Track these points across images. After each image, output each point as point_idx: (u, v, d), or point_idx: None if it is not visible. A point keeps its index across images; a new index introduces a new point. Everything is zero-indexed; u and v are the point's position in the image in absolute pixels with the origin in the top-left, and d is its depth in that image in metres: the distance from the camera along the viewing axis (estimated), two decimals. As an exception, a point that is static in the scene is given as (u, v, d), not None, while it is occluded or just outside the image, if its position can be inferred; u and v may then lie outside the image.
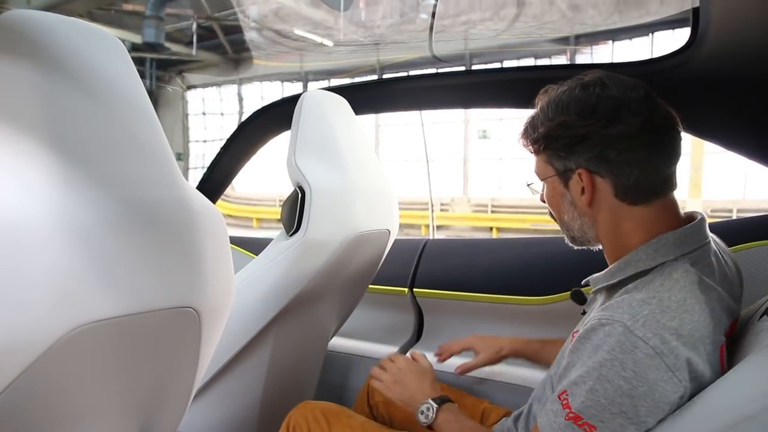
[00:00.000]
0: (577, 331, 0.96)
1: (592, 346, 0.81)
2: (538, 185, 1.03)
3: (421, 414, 1.09)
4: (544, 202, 1.03)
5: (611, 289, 0.93)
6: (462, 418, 1.07)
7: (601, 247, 0.99)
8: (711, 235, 0.94)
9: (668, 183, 0.91)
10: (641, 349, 0.75)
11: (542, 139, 0.94)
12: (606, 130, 0.87)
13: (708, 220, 0.94)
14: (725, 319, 0.85)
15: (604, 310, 0.83)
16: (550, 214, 1.03)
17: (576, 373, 0.81)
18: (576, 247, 1.03)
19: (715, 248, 0.92)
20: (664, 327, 0.76)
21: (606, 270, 0.95)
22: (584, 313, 1.08)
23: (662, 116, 0.90)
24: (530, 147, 0.99)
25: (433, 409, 1.08)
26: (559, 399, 0.82)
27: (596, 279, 0.97)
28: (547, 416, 0.84)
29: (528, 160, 1.06)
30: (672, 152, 0.90)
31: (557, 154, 0.93)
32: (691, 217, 0.94)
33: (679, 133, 0.92)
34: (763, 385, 0.67)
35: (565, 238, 1.04)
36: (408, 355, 1.25)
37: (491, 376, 1.57)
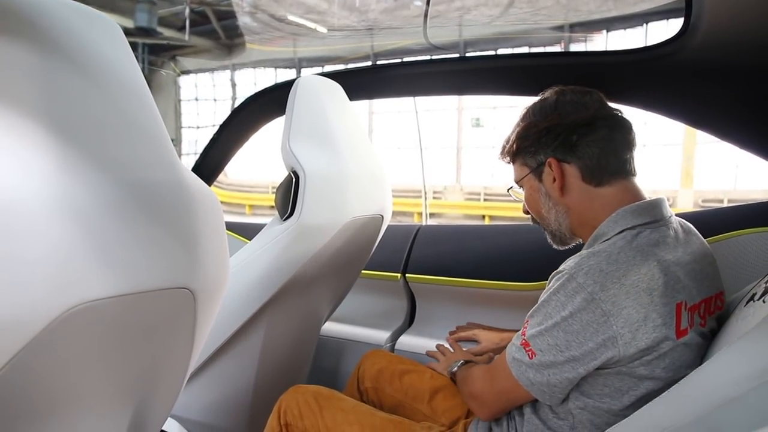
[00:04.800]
0: None
1: (547, 290, 0.96)
2: (519, 192, 1.18)
3: (451, 367, 1.32)
4: (527, 213, 1.18)
5: None
6: (472, 368, 1.22)
7: (580, 241, 1.12)
8: (682, 220, 1.06)
9: (626, 165, 1.04)
10: (580, 294, 0.89)
11: (514, 142, 1.11)
12: (565, 120, 1.04)
13: (697, 209, 1.00)
14: (687, 283, 0.93)
15: (563, 264, 0.96)
16: (532, 219, 1.17)
17: (536, 309, 0.97)
18: (560, 248, 1.16)
19: (677, 228, 1.01)
20: (606, 275, 0.88)
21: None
22: None
23: (613, 110, 1.06)
24: (507, 158, 1.15)
25: (459, 364, 1.30)
26: (523, 327, 0.99)
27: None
28: (512, 341, 1.01)
29: None
30: (627, 137, 1.04)
31: (529, 151, 1.09)
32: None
33: (630, 124, 1.06)
34: (747, 369, 0.68)
35: (549, 239, 1.16)
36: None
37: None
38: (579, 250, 1.04)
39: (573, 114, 1.03)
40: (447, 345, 1.53)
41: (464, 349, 1.48)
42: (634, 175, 1.05)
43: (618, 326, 0.86)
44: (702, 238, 1.06)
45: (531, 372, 0.95)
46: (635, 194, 1.02)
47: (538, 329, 0.93)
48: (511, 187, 1.21)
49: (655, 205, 1.00)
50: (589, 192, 1.04)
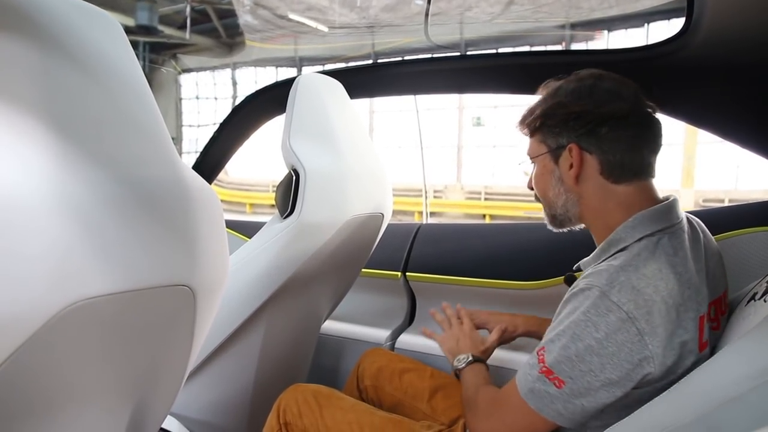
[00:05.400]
0: None
1: (571, 307, 0.89)
2: (529, 166, 1.12)
3: (456, 361, 1.21)
4: (531, 189, 1.12)
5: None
6: (483, 373, 1.15)
7: (582, 226, 1.07)
8: (691, 217, 1.03)
9: (648, 168, 0.99)
10: (614, 312, 0.82)
11: (539, 117, 1.03)
12: (599, 109, 0.97)
13: (698, 209, 0.98)
14: (704, 291, 0.91)
15: (586, 277, 0.90)
16: (536, 196, 1.12)
17: (554, 331, 0.89)
18: (555, 230, 1.11)
19: (689, 228, 0.99)
20: (639, 293, 0.83)
21: (593, 253, 1.01)
22: None
23: (649, 106, 1.00)
24: (526, 130, 1.08)
25: (467, 361, 1.19)
26: (537, 354, 0.90)
27: (585, 263, 1.03)
28: (523, 369, 0.93)
29: (520, 147, 1.14)
30: (655, 139, 0.99)
31: (552, 131, 1.02)
32: (666, 199, 1.00)
33: (661, 125, 1.00)
34: (747, 368, 0.68)
35: (546, 220, 1.11)
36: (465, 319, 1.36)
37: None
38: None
39: (608, 104, 0.97)
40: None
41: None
42: (653, 177, 1.00)
43: (653, 345, 0.82)
44: (710, 234, 1.05)
45: (560, 403, 0.86)
46: (651, 196, 0.98)
47: (564, 354, 0.85)
48: (522, 162, 1.13)
49: (671, 208, 0.96)
50: (604, 187, 0.99)
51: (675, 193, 1.03)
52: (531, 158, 1.09)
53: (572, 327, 0.85)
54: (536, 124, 1.04)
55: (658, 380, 0.84)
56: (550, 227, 1.11)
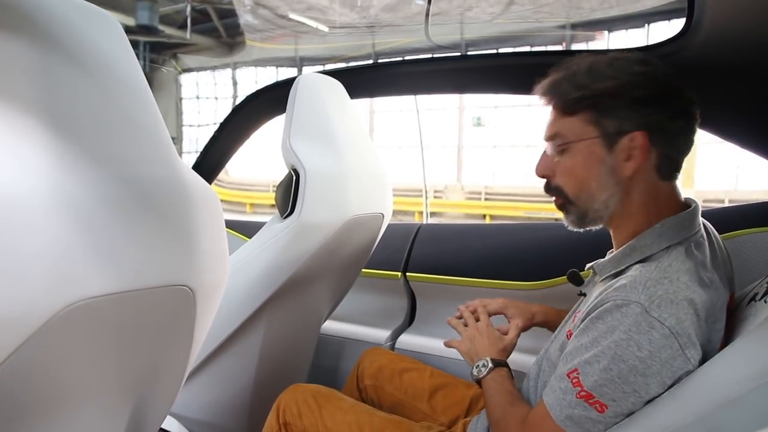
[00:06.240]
0: (579, 311, 0.96)
1: (606, 326, 0.82)
2: (553, 150, 0.95)
3: (476, 368, 1.09)
4: (544, 176, 0.98)
5: (616, 274, 0.93)
6: (507, 384, 1.05)
7: (601, 226, 0.98)
8: (702, 220, 0.97)
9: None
10: (657, 329, 0.77)
11: (600, 96, 0.89)
12: (680, 101, 0.88)
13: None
14: (724, 297, 0.88)
15: (618, 291, 0.83)
16: (552, 188, 0.97)
17: (589, 352, 0.83)
18: (576, 229, 0.99)
19: (704, 233, 0.94)
20: (678, 307, 0.79)
21: (611, 256, 0.95)
22: (581, 294, 1.08)
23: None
24: (561, 105, 0.93)
25: (487, 367, 1.07)
26: (569, 377, 0.84)
27: (602, 266, 0.97)
28: (555, 394, 0.86)
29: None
30: (694, 137, 0.92)
31: (615, 114, 0.88)
32: (687, 203, 0.95)
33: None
34: (747, 369, 0.68)
35: (570, 218, 0.98)
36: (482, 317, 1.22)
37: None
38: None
39: (684, 98, 0.88)
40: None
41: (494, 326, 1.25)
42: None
43: (694, 359, 0.78)
44: (719, 237, 1.02)
45: (601, 427, 0.81)
46: (678, 196, 0.93)
47: (606, 377, 0.79)
48: (554, 140, 0.95)
49: (694, 216, 0.91)
50: (654, 186, 0.90)
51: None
52: (571, 141, 0.92)
53: (612, 347, 0.79)
54: (590, 101, 0.89)
55: None
56: (571, 227, 0.99)
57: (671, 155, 0.89)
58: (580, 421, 0.82)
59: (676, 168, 0.91)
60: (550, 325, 1.28)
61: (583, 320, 0.88)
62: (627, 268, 0.91)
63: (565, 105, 0.92)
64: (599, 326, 0.83)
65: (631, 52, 0.92)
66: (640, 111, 0.87)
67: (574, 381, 0.83)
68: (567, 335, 0.95)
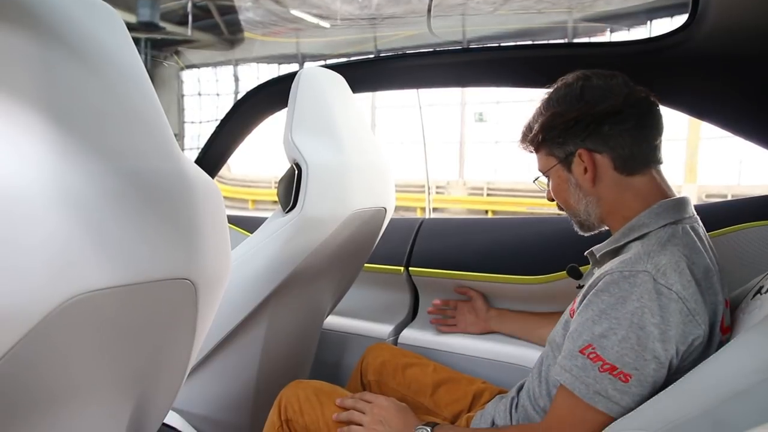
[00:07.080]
0: (575, 301, 1.00)
1: (614, 298, 0.86)
2: (544, 182, 1.13)
3: None
4: (552, 200, 1.12)
5: (615, 253, 1.00)
6: (468, 429, 1.13)
7: (606, 227, 1.08)
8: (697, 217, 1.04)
9: (657, 153, 1.02)
10: (666, 295, 0.83)
11: (539, 132, 1.05)
12: (594, 109, 0.99)
13: (700, 203, 1.01)
14: (718, 274, 0.94)
15: (623, 264, 0.89)
16: (559, 206, 1.12)
17: (600, 326, 0.87)
18: (585, 234, 1.11)
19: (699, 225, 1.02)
20: (682, 274, 0.85)
21: (609, 238, 1.03)
22: (580, 287, 1.10)
23: (641, 92, 1.02)
24: (530, 147, 1.11)
25: (430, 430, 1.05)
26: (583, 353, 0.87)
27: (599, 247, 1.04)
28: (572, 373, 0.88)
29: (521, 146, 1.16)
30: (657, 123, 1.01)
31: (556, 141, 1.04)
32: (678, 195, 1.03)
33: (658, 107, 1.02)
34: (754, 362, 0.68)
35: (575, 227, 1.12)
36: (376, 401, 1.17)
37: (484, 355, 1.57)
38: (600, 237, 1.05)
39: (601, 102, 0.99)
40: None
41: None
42: (661, 163, 1.03)
43: (704, 324, 0.85)
44: (710, 239, 1.05)
45: (629, 397, 0.84)
46: (665, 185, 1.02)
47: (626, 346, 0.84)
48: (537, 178, 1.16)
49: (687, 202, 1.00)
50: (621, 182, 1.01)
51: (677, 189, 1.05)
52: (543, 173, 1.11)
53: (628, 317, 0.84)
54: (538, 139, 1.06)
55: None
56: (581, 233, 1.12)
57: (622, 153, 0.99)
58: (608, 395, 0.84)
59: (637, 160, 1.00)
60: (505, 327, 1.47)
61: (585, 296, 0.93)
62: (626, 245, 0.98)
63: (529, 147, 1.11)
64: (605, 298, 0.88)
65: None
66: (572, 132, 1.01)
67: (591, 356, 0.86)
68: (570, 313, 1.00)
